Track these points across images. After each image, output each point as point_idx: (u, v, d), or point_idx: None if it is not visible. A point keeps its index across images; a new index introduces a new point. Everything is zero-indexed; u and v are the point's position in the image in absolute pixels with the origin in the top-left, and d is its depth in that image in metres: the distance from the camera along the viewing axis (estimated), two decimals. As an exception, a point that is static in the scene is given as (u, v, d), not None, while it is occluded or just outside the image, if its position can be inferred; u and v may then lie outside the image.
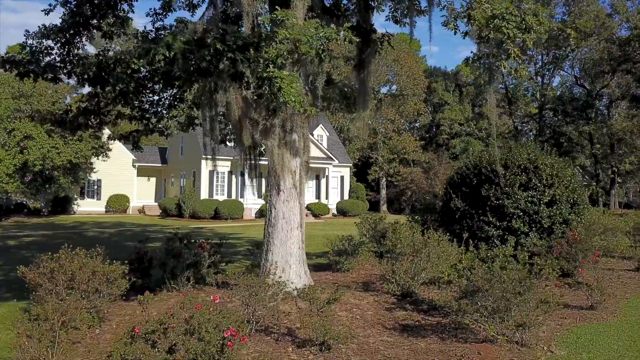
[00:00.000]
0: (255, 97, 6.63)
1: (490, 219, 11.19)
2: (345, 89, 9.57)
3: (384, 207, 51.77)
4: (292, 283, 8.18)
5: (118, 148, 43.52)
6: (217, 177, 37.09)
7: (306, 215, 37.72)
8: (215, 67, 5.81)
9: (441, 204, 13.26)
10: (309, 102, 7.19)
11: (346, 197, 43.05)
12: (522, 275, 6.07)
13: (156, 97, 9.93)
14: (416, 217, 14.15)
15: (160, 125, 9.62)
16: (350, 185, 44.65)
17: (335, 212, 39.90)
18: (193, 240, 10.69)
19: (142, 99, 8.75)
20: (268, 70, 5.63)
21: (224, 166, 37.22)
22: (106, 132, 37.88)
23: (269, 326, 6.92)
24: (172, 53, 5.30)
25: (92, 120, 8.67)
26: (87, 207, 41.87)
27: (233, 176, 37.48)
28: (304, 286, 8.57)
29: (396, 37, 78.39)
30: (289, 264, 8.30)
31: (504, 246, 11.13)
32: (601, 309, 7.82)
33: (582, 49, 54.70)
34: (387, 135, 53.20)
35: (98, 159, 39.57)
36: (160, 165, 45.13)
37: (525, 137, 59.21)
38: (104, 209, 42.48)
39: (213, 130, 7.39)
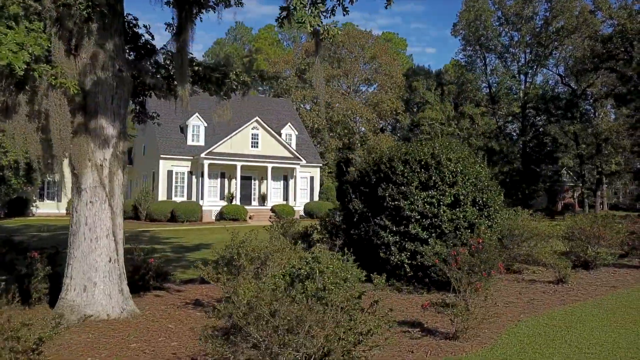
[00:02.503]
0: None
1: (387, 223, 9.60)
2: (199, 68, 7.95)
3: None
4: (97, 305, 6.58)
5: (80, 148, 42.03)
6: (177, 178, 35.48)
7: (269, 218, 36.18)
8: None
9: (341, 207, 11.68)
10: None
11: (316, 198, 41.44)
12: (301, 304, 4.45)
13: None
14: (327, 221, 12.57)
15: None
16: (322, 186, 43.05)
17: (303, 214, 38.23)
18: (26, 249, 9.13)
19: None
20: None
21: (183, 166, 35.67)
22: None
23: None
24: None
25: None
26: (46, 209, 40.22)
27: (193, 177, 35.88)
28: (119, 309, 6.98)
29: (381, 36, 77.10)
30: (93, 282, 6.71)
31: (402, 255, 9.64)
32: (467, 338, 6.22)
33: (566, 47, 53.28)
34: (365, 135, 51.70)
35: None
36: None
37: (509, 137, 57.74)
38: (65, 211, 40.81)
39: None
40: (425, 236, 9.32)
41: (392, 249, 9.56)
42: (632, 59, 44.89)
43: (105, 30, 6.46)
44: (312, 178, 41.19)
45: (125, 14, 7.41)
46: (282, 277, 5.60)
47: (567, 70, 54.95)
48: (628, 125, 49.21)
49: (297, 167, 38.68)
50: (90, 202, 6.72)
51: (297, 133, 40.43)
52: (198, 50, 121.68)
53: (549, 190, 64.82)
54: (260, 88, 68.78)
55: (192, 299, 9.03)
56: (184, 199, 35.37)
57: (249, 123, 36.32)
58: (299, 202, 39.18)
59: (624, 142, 50.52)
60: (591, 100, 54.21)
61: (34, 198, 39.93)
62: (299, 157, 38.41)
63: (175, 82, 7.18)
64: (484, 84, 58.81)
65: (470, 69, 57.27)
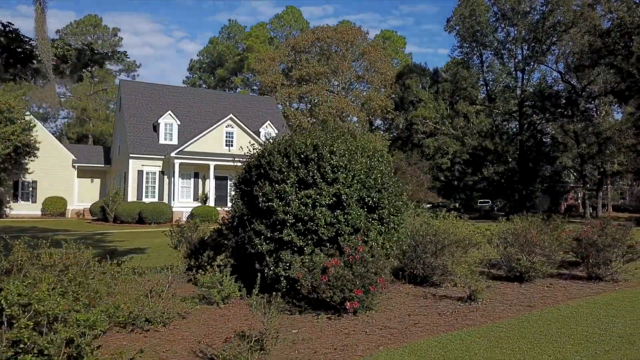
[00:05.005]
0: None
1: (261, 228, 8.07)
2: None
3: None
4: None
5: (56, 148, 40.97)
6: (147, 178, 34.16)
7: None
8: None
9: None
10: None
11: (297, 199, 39.95)
12: None
13: None
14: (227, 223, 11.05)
15: None
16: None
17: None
18: None
19: None
20: None
21: (154, 166, 34.38)
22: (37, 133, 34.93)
23: None
24: None
25: None
26: (21, 211, 39.20)
27: (165, 177, 34.56)
28: None
29: (379, 34, 75.50)
30: None
31: (279, 267, 8.11)
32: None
33: (566, 43, 51.18)
34: (354, 134, 50.00)
35: (26, 159, 36.98)
36: (103, 165, 42.38)
37: (505, 136, 55.72)
38: (40, 212, 39.77)
39: None
40: (301, 244, 7.77)
41: (267, 259, 8.03)
42: (631, 54, 42.75)
43: None
44: (293, 178, 39.68)
45: None
46: None
47: (567, 67, 52.89)
48: (630, 123, 47.13)
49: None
50: None
51: (277, 131, 38.91)
52: (194, 52, 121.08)
53: (551, 191, 62.72)
54: (255, 87, 67.53)
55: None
56: (155, 199, 34.08)
57: (222, 121, 34.94)
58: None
59: (627, 141, 48.29)
60: (590, 98, 52.00)
61: (8, 199, 38.89)
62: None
63: None
64: (480, 82, 56.95)
65: (466, 67, 55.40)
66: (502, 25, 53.26)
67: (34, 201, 40.13)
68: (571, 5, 47.86)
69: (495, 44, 54.01)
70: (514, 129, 56.44)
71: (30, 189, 40.07)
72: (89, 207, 39.75)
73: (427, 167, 47.52)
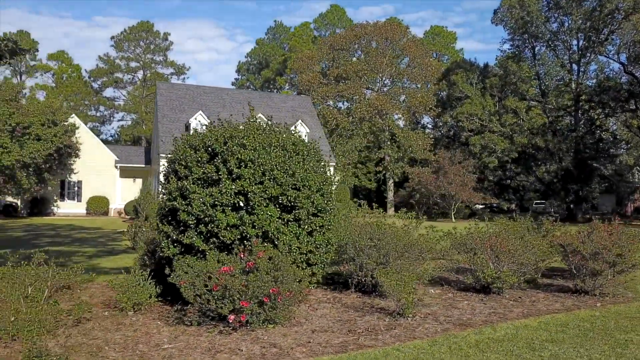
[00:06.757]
0: None
1: (168, 230, 7.37)
2: None
3: (391, 211, 47.07)
4: None
5: (99, 149, 42.39)
6: (178, 178, 34.46)
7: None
8: None
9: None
10: None
11: (330, 199, 39.10)
12: None
13: None
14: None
15: None
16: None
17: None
18: None
19: None
20: None
21: (185, 166, 34.62)
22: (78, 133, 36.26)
23: None
24: None
25: None
26: (67, 209, 40.87)
27: (195, 176, 34.74)
28: None
29: (429, 30, 73.28)
30: None
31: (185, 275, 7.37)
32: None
33: (628, 31, 47.03)
34: (394, 132, 48.55)
35: (70, 159, 38.49)
36: (144, 166, 43.46)
37: (560, 133, 52.10)
38: (85, 211, 41.32)
39: None
40: (204, 247, 7.00)
41: (174, 263, 7.32)
42: (700, 40, 38.73)
43: None
44: (325, 178, 38.83)
45: None
46: None
47: (629, 57, 48.64)
48: None
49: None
50: None
51: (308, 130, 38.31)
52: (242, 52, 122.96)
53: (616, 191, 58.24)
54: (300, 87, 67.32)
55: None
56: (185, 199, 34.38)
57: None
58: (309, 203, 37.06)
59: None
60: (655, 90, 47.47)
61: (55, 198, 40.64)
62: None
63: None
64: (533, 77, 53.67)
65: (517, 60, 52.30)
66: (555, 15, 49.86)
67: (79, 200, 41.70)
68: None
69: (548, 35, 50.65)
70: (570, 125, 52.73)
71: (76, 188, 41.67)
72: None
73: (472, 166, 45.24)
